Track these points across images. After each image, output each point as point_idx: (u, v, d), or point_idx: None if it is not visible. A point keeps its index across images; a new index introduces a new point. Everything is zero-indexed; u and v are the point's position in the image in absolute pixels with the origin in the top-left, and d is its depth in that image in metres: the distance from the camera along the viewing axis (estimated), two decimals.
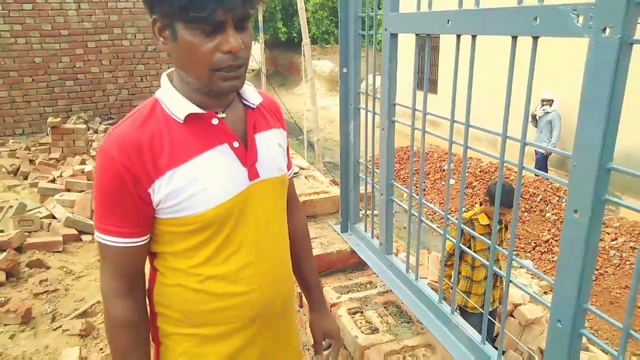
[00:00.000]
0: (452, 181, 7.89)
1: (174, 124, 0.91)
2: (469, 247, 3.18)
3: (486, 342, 1.11)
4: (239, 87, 0.91)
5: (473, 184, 8.09)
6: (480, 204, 3.40)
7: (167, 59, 7.86)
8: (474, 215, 3.29)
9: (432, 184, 8.66)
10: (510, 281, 0.99)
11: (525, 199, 6.98)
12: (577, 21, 0.73)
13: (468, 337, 1.16)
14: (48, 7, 7.19)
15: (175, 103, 0.92)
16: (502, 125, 0.95)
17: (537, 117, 7.30)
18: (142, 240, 0.94)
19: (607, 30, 0.68)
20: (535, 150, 7.25)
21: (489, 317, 1.09)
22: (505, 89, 0.92)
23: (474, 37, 0.99)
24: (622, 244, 5.78)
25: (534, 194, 7.03)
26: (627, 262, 5.63)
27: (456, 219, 1.16)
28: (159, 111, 0.92)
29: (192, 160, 0.90)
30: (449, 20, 1.04)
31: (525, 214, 6.83)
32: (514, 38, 0.89)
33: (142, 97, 7.75)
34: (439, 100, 8.92)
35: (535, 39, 0.84)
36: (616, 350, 0.77)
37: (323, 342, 1.24)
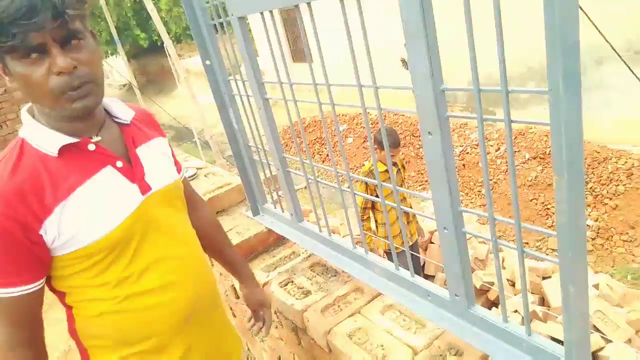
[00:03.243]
0: (350, 140, 8.21)
1: (49, 159, 0.88)
2: (377, 196, 3.40)
3: (399, 268, 1.24)
4: (92, 106, 0.89)
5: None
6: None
7: (22, 98, 7.15)
8: (372, 165, 3.50)
9: (333, 147, 8.94)
10: (402, 208, 1.12)
11: (417, 136, 7.49)
12: None
13: (384, 269, 1.29)
14: None
15: (44, 138, 0.89)
16: (355, 78, 1.05)
17: (406, 59, 7.80)
18: (37, 285, 0.91)
19: None
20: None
21: (410, 251, 1.21)
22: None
23: (297, 6, 1.07)
24: (505, 151, 6.46)
25: None
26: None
27: (358, 175, 1.27)
28: (29, 150, 0.89)
29: (77, 190, 0.89)
30: None
31: (421, 149, 7.34)
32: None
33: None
34: (314, 67, 9.10)
35: None
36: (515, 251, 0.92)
37: (261, 313, 1.37)
